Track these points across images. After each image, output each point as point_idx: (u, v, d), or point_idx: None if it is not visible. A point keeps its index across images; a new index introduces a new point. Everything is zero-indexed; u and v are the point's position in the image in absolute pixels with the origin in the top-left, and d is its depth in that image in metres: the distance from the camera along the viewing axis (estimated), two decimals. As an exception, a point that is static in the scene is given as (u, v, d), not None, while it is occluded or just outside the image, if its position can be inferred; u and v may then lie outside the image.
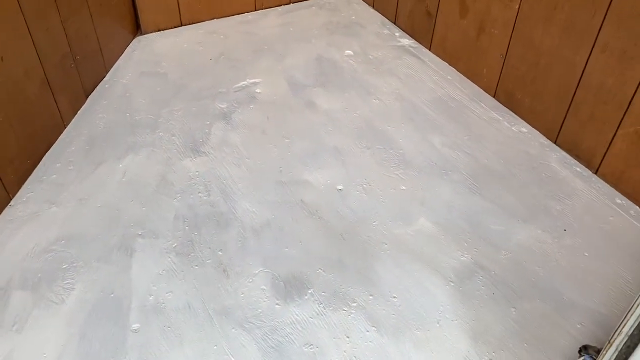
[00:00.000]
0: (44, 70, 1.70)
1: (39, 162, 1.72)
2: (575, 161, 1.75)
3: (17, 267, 1.40)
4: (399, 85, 2.11)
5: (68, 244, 1.47)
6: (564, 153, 1.78)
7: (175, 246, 1.47)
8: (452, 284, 1.38)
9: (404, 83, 2.12)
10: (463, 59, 2.14)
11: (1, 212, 1.55)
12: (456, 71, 2.18)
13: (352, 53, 2.31)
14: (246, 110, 1.97)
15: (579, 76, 1.67)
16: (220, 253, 1.45)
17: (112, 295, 1.34)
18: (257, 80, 2.14)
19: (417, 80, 2.14)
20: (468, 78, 2.13)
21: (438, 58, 2.26)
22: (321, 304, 1.34)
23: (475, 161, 1.76)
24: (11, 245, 1.46)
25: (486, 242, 1.49)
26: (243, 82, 2.12)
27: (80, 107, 1.95)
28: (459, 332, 1.28)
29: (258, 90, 2.08)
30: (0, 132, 1.52)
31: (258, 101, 2.02)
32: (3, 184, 1.55)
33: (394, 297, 1.35)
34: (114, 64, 2.20)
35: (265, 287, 1.37)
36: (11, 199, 1.59)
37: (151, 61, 2.23)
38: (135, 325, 1.28)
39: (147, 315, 1.30)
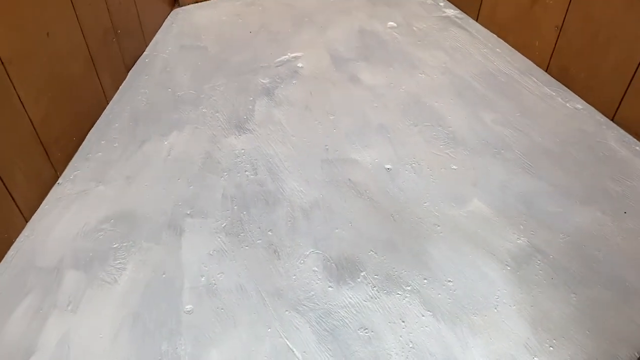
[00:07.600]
0: (87, 45, 1.68)
1: (84, 139, 1.71)
2: (635, 140, 1.67)
3: (69, 247, 1.40)
4: (446, 58, 2.03)
5: (117, 223, 1.46)
6: (622, 131, 1.70)
7: (224, 226, 1.45)
8: (509, 268, 1.34)
9: (451, 56, 2.04)
10: (514, 31, 2.05)
11: (50, 190, 1.55)
12: (506, 44, 2.09)
13: (395, 25, 2.23)
14: (289, 86, 1.93)
15: (644, 50, 1.58)
16: (270, 233, 1.43)
17: (163, 275, 1.34)
18: (298, 54, 2.08)
19: (464, 53, 2.06)
20: (518, 51, 2.04)
21: (486, 30, 2.17)
22: (375, 287, 1.31)
23: (528, 139, 1.69)
24: (62, 224, 1.46)
25: (543, 225, 1.44)
26: (284, 56, 2.07)
27: (122, 82, 1.93)
28: (518, 318, 1.24)
29: (300, 65, 2.03)
30: (47, 111, 1.51)
31: (300, 76, 1.97)
32: (51, 162, 1.54)
33: (449, 281, 1.32)
34: (153, 37, 2.16)
35: (317, 269, 1.35)
36: (59, 177, 1.59)
37: (190, 34, 2.19)
38: (188, 307, 1.27)
39: (200, 296, 1.29)
